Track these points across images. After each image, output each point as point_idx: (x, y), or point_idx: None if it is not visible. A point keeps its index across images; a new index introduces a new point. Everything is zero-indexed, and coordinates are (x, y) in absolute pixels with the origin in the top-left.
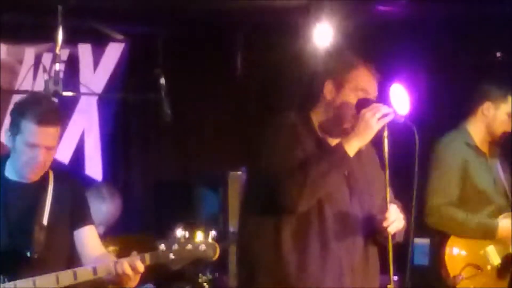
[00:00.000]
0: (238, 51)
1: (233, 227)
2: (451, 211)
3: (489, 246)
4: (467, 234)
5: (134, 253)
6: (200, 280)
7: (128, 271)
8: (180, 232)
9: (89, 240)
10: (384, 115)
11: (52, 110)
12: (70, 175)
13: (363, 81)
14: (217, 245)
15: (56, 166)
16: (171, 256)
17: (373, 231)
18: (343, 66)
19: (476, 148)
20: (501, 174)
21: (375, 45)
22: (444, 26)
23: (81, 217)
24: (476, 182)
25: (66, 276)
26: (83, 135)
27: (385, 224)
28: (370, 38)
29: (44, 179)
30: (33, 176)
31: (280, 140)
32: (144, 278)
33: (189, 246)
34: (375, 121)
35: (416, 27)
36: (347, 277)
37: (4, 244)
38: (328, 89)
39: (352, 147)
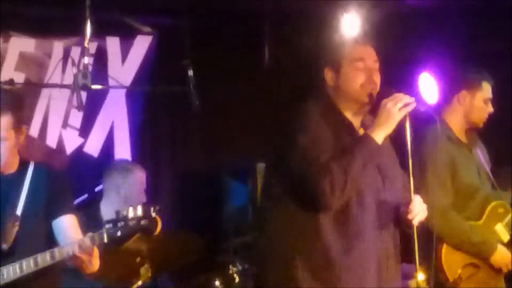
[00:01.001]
0: (265, 41)
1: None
2: (458, 219)
3: (497, 224)
4: (464, 246)
5: (88, 234)
6: (230, 271)
7: (78, 252)
8: (124, 209)
9: (66, 229)
10: (406, 105)
11: None
12: (50, 166)
13: (356, 52)
14: (158, 219)
15: (39, 157)
16: (118, 233)
17: (400, 218)
18: (334, 49)
19: (457, 141)
20: (482, 161)
21: (404, 35)
22: (474, 15)
23: (59, 207)
24: (463, 177)
25: (28, 263)
26: (112, 127)
27: (409, 216)
28: (399, 28)
29: (22, 170)
30: None
31: (311, 132)
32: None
33: (132, 222)
34: (396, 110)
35: (446, 16)
36: (384, 264)
37: None
38: (329, 76)
39: (378, 137)
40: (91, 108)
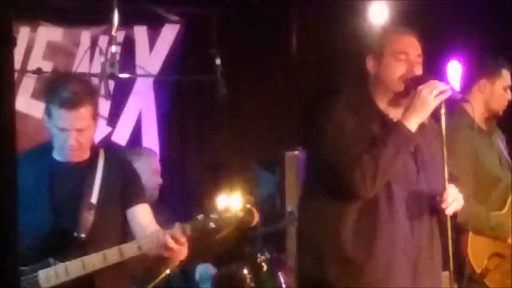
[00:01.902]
0: (293, 30)
1: (290, 207)
2: (475, 207)
3: None
4: (485, 232)
5: (177, 224)
6: (258, 260)
7: (171, 243)
8: (218, 201)
9: (142, 218)
10: (441, 92)
11: (78, 91)
12: (121, 154)
13: (400, 43)
14: (254, 210)
15: (108, 145)
16: (211, 225)
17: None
18: (378, 37)
19: (479, 130)
20: (503, 149)
21: (432, 22)
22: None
23: (133, 196)
24: (486, 166)
25: (112, 254)
26: (140, 116)
27: (443, 205)
28: (427, 15)
29: (93, 158)
30: (72, 157)
31: (342, 121)
32: (203, 258)
33: (227, 214)
34: (432, 98)
35: (474, 3)
36: (415, 256)
37: (51, 226)
38: (370, 64)
39: (411, 124)
40: (119, 97)
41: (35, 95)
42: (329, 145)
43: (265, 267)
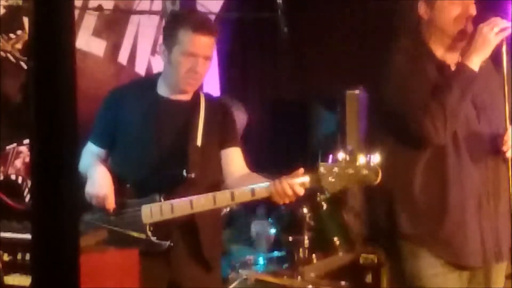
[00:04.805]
0: None
1: (350, 146)
2: None
3: None
4: None
5: (299, 172)
6: (318, 199)
7: (287, 191)
8: (341, 155)
9: (234, 160)
10: (502, 30)
11: (209, 19)
12: (220, 98)
13: None
14: (379, 169)
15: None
16: (331, 179)
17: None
18: None
19: None
20: None
21: None
22: None
23: (229, 138)
24: None
25: (223, 197)
26: None
27: (504, 148)
28: None
29: (195, 100)
30: (189, 88)
31: (404, 68)
32: None
33: (350, 170)
34: (493, 35)
35: None
36: (484, 201)
37: (159, 162)
38: (423, 9)
39: (474, 63)
40: None
41: (96, 32)
42: (394, 97)
43: (324, 206)
